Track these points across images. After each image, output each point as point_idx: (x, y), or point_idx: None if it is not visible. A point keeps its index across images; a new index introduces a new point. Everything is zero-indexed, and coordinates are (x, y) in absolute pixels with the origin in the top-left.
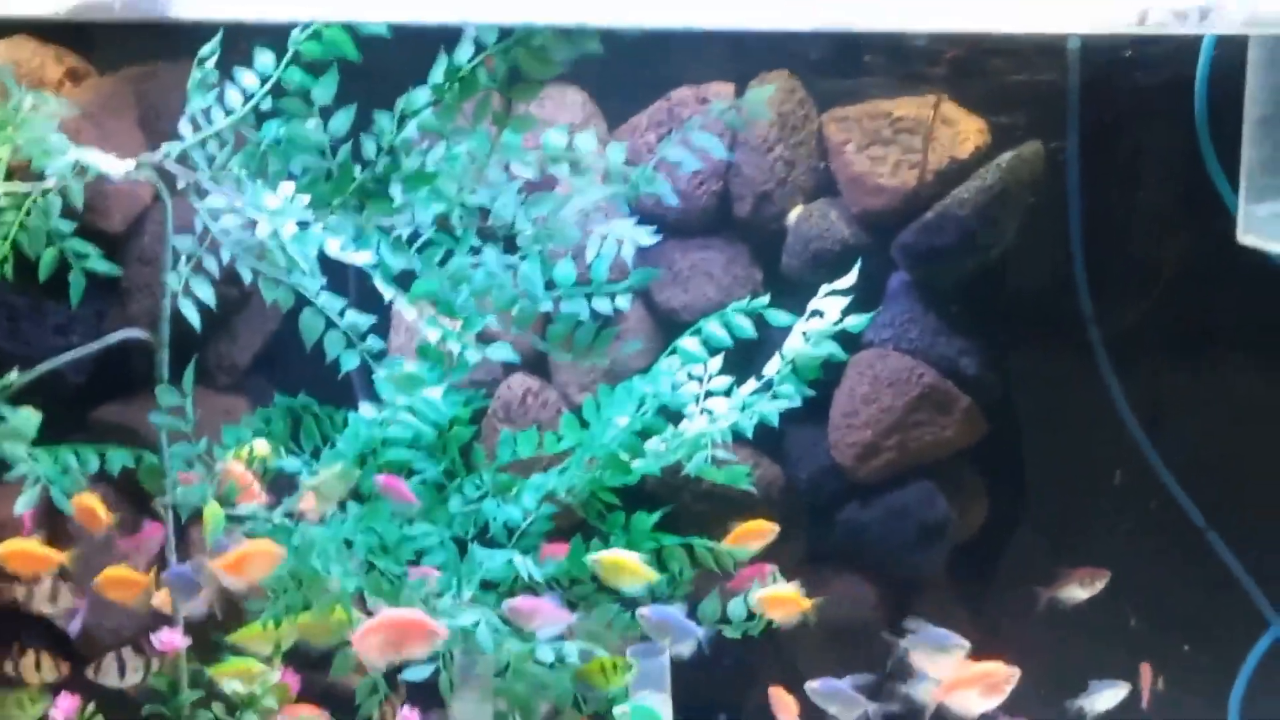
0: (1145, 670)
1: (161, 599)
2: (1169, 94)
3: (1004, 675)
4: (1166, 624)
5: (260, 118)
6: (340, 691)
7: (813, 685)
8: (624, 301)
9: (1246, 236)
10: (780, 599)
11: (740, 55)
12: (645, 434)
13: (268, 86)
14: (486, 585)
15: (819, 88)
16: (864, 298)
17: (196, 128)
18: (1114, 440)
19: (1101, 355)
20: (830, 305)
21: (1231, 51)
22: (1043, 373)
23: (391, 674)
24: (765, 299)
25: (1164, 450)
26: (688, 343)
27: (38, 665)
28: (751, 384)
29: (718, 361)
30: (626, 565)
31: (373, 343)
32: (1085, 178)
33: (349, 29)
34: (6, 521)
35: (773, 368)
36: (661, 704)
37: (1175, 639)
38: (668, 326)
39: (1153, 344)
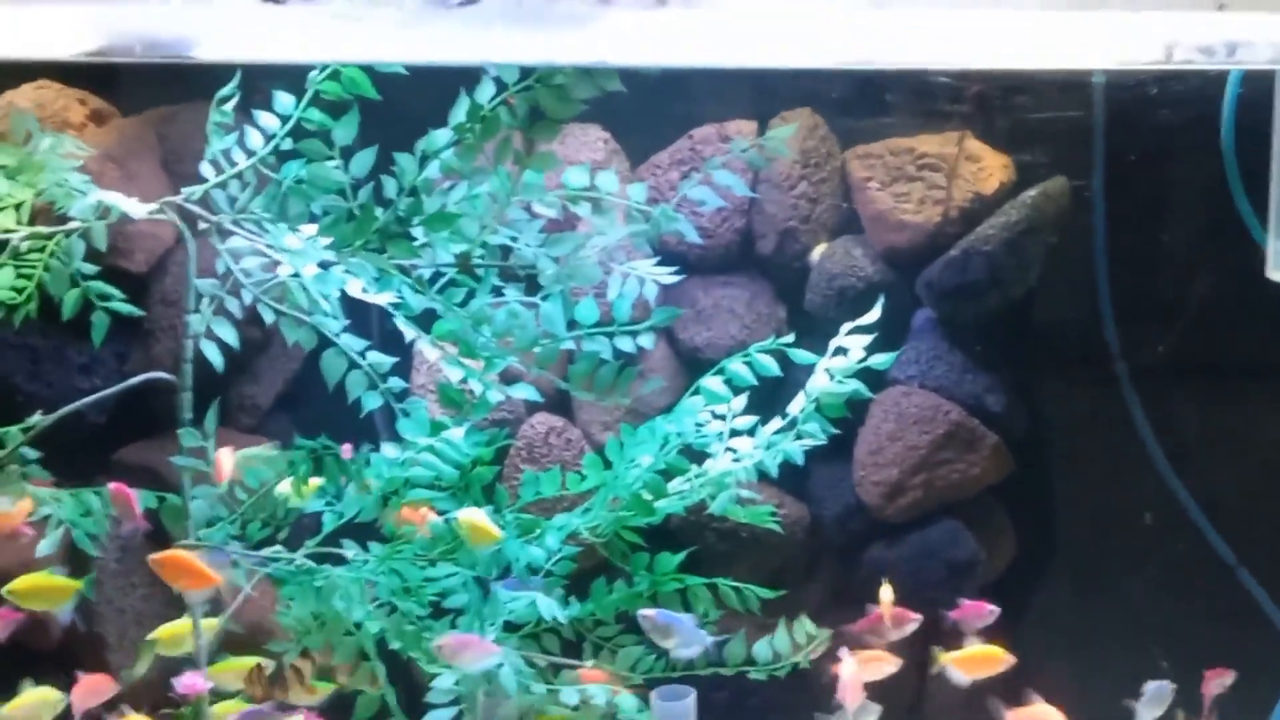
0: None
1: None
2: (1196, 129)
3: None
4: (1197, 663)
5: (282, 158)
6: None
7: None
8: (647, 340)
9: (1275, 272)
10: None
11: (762, 93)
12: (669, 473)
13: (288, 127)
14: (510, 626)
15: (842, 125)
16: (889, 335)
17: (218, 170)
18: (1142, 477)
19: (1129, 392)
20: (854, 343)
21: (1259, 86)
22: (1070, 409)
23: None
24: (789, 337)
25: (1193, 486)
26: (711, 382)
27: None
28: (776, 422)
29: (741, 400)
30: (480, 526)
31: (394, 383)
32: (1111, 213)
33: (367, 69)
34: (29, 563)
35: (797, 406)
36: None
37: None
38: (691, 364)
39: (1181, 380)
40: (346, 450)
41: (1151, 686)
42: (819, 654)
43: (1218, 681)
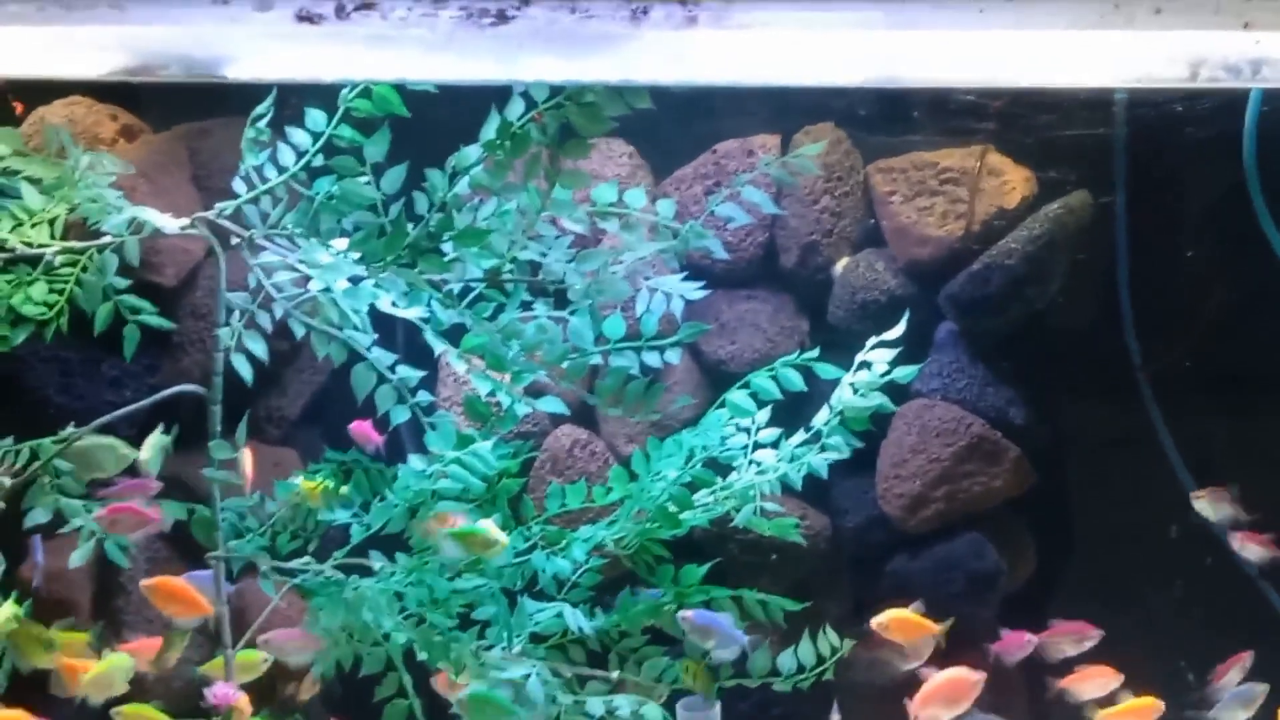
0: None
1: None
2: (1218, 144)
3: None
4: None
5: (313, 175)
6: None
7: None
8: (674, 355)
9: None
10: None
11: (785, 108)
12: (694, 486)
13: (319, 144)
14: (536, 638)
15: (865, 139)
16: (911, 348)
17: (250, 185)
18: (1164, 490)
19: (1151, 405)
20: (878, 356)
21: None
22: (1092, 423)
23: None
24: (814, 351)
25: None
26: (736, 395)
27: None
28: (800, 435)
29: (765, 412)
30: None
31: (422, 397)
32: (1133, 228)
33: (400, 88)
34: (60, 573)
35: (821, 419)
36: None
37: None
38: (714, 377)
39: (1203, 394)
40: (367, 428)
41: (1242, 689)
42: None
43: (1238, 667)
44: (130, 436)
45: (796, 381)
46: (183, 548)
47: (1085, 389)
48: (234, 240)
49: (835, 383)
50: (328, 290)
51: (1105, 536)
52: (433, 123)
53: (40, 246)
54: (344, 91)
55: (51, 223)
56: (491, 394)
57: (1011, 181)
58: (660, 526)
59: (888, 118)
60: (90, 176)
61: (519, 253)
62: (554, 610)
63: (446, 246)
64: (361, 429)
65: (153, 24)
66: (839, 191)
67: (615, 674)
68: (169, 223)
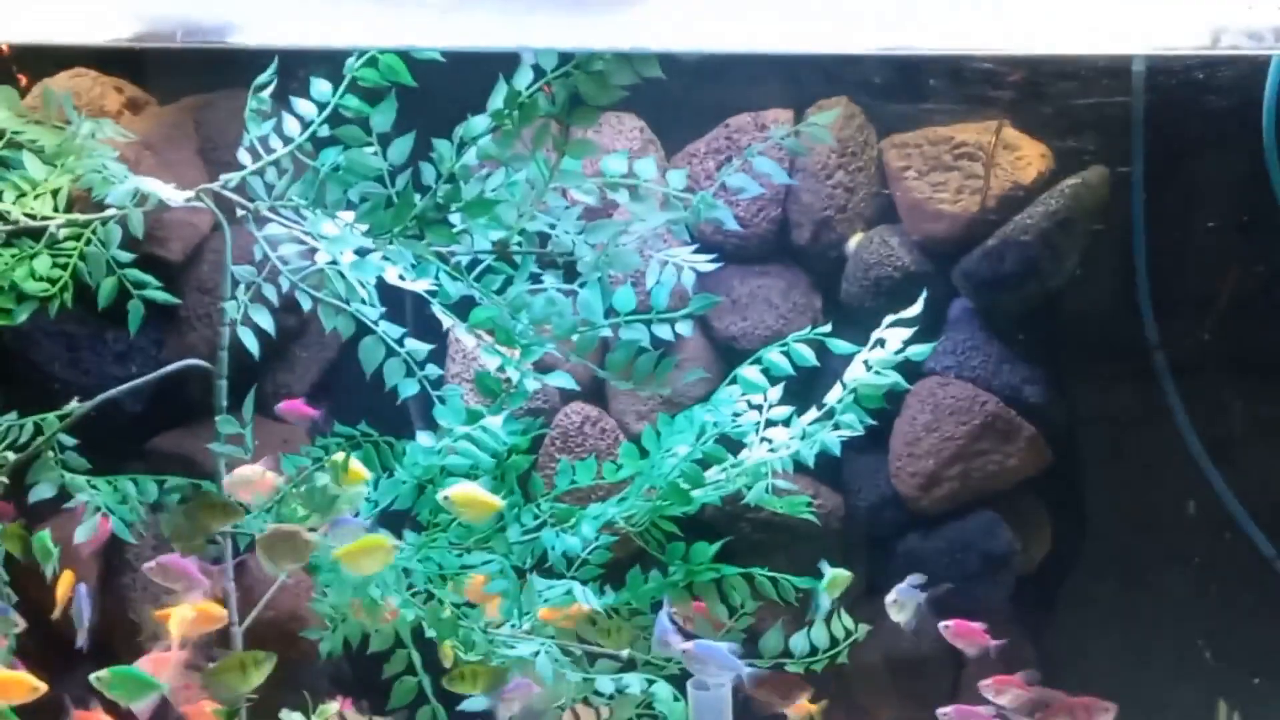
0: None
1: None
2: (1236, 117)
3: None
4: (1237, 656)
5: (319, 145)
6: None
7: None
8: (685, 328)
9: None
10: None
11: (799, 82)
12: (705, 463)
13: (325, 114)
14: None
15: (879, 113)
16: (925, 325)
17: (255, 156)
18: (1181, 469)
19: (1168, 383)
20: (893, 335)
21: None
22: (1108, 401)
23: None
24: (827, 327)
25: (1231, 478)
26: (748, 371)
27: None
28: (812, 413)
29: (778, 390)
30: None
31: (431, 370)
32: (1151, 203)
33: (405, 55)
34: (66, 552)
35: (834, 396)
36: None
37: (1246, 672)
38: (726, 353)
39: (1220, 371)
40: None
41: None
42: None
43: None
44: (136, 411)
45: (809, 358)
46: None
47: (1101, 367)
48: (240, 213)
49: (848, 360)
50: (334, 263)
51: (1121, 516)
52: (440, 92)
53: (44, 219)
54: (350, 60)
55: (55, 194)
56: (501, 369)
57: (1027, 156)
58: (671, 504)
59: (903, 86)
60: (93, 146)
61: (527, 224)
62: (564, 588)
63: (454, 218)
64: (291, 408)
65: None
66: (852, 167)
67: (625, 652)
68: (173, 194)
